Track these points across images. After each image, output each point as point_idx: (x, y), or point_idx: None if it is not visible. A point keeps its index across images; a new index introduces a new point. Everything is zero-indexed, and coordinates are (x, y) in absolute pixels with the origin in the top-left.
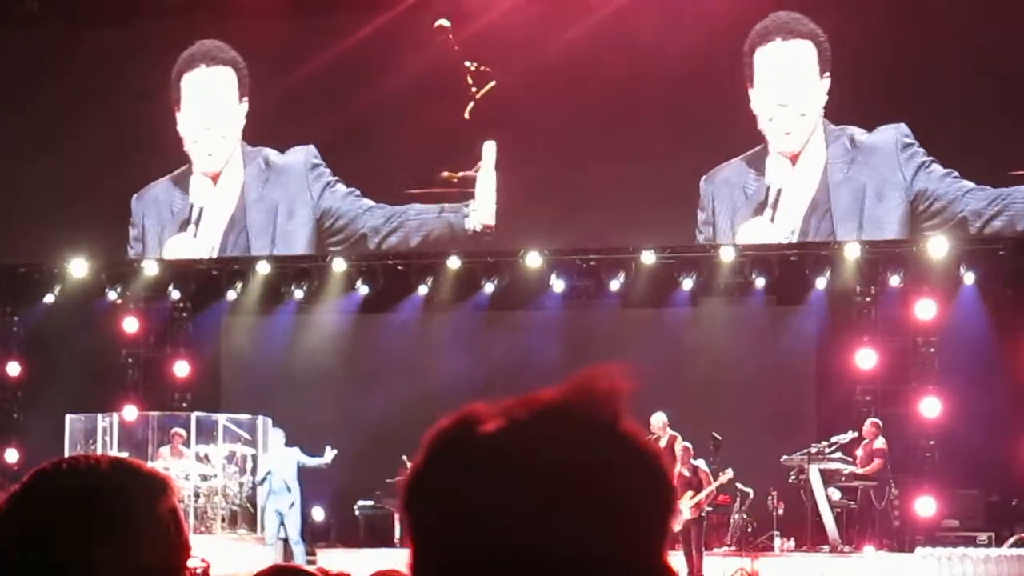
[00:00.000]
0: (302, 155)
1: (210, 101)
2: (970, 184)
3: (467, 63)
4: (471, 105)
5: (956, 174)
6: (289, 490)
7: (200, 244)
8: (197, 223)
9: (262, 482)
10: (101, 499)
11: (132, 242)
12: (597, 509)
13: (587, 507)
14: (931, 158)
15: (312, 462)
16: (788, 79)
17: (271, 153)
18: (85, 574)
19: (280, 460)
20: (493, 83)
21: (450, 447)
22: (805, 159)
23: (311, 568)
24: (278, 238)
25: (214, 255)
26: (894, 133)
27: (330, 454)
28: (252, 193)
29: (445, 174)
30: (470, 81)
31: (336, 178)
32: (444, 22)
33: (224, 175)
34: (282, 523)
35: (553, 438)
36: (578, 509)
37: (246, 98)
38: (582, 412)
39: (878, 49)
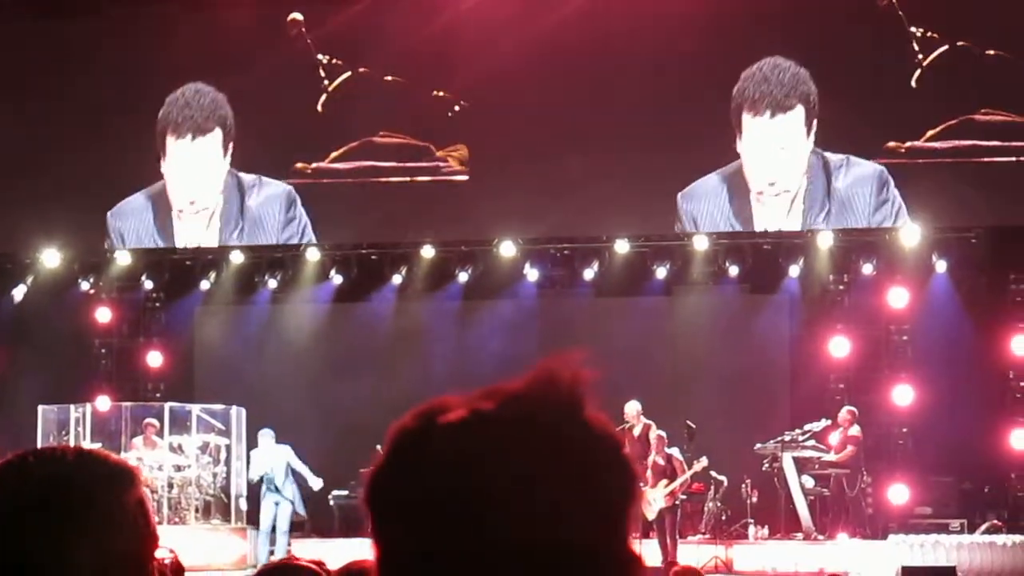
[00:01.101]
0: (276, 199)
1: (198, 173)
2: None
3: (320, 56)
4: (323, 98)
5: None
6: (284, 485)
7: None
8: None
9: (259, 482)
10: (67, 490)
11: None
12: (560, 497)
13: (551, 495)
14: (901, 205)
15: (300, 468)
16: (778, 159)
17: (248, 184)
18: (52, 565)
19: (273, 458)
20: (348, 74)
21: (412, 441)
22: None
23: (303, 560)
24: None
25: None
26: (870, 178)
27: (316, 481)
28: (227, 234)
29: (299, 165)
30: (322, 74)
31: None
32: (297, 16)
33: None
34: (276, 514)
35: (515, 428)
36: (541, 498)
37: (231, 146)
38: (544, 401)
39: (857, 51)
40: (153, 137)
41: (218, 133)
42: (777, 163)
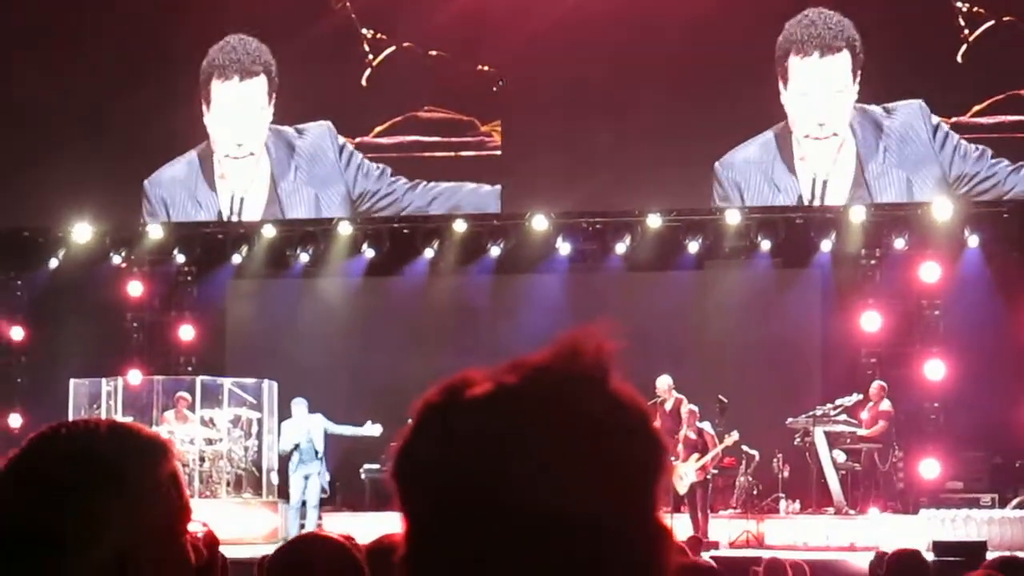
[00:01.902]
0: (323, 134)
1: (243, 116)
2: (1006, 162)
3: (364, 31)
4: (368, 72)
5: (989, 152)
6: (317, 457)
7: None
8: (239, 215)
9: (290, 453)
10: (100, 463)
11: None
12: (587, 469)
13: (577, 467)
14: (957, 137)
15: (343, 430)
16: (827, 97)
17: (290, 134)
18: (84, 538)
19: (306, 429)
20: (392, 49)
21: (438, 414)
22: (839, 154)
23: (333, 534)
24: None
25: None
26: (917, 114)
27: (372, 427)
28: (284, 184)
29: (343, 140)
30: (367, 49)
31: (362, 157)
32: None
33: (252, 163)
34: (306, 488)
35: (541, 399)
36: (567, 470)
37: (274, 95)
38: (570, 372)
39: (904, 25)
40: (189, 105)
41: (263, 79)
42: (827, 103)
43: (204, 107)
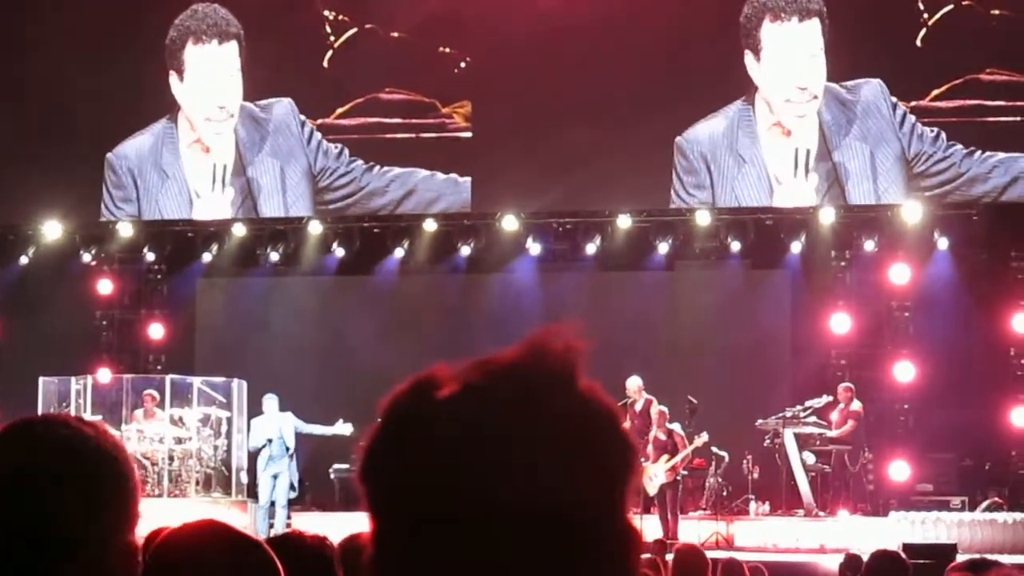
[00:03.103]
0: (286, 110)
1: (218, 76)
2: (959, 146)
3: (325, 12)
4: (329, 54)
5: (944, 135)
6: (286, 455)
7: (222, 198)
8: (223, 182)
9: (260, 450)
10: (81, 458)
11: (119, 203)
12: (554, 469)
13: (544, 467)
14: (914, 118)
15: (313, 430)
16: (803, 61)
17: (253, 109)
18: (65, 530)
19: (277, 425)
20: (354, 31)
21: (404, 413)
22: (803, 124)
23: (307, 533)
24: (289, 203)
25: (232, 212)
26: (877, 92)
27: (343, 427)
28: (251, 155)
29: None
30: (328, 31)
31: (321, 136)
32: None
33: (219, 136)
34: (274, 487)
35: (508, 398)
36: (535, 470)
37: (242, 65)
38: (537, 371)
39: (864, 8)
40: (155, 83)
41: (236, 44)
42: (808, 66)
43: (175, 77)
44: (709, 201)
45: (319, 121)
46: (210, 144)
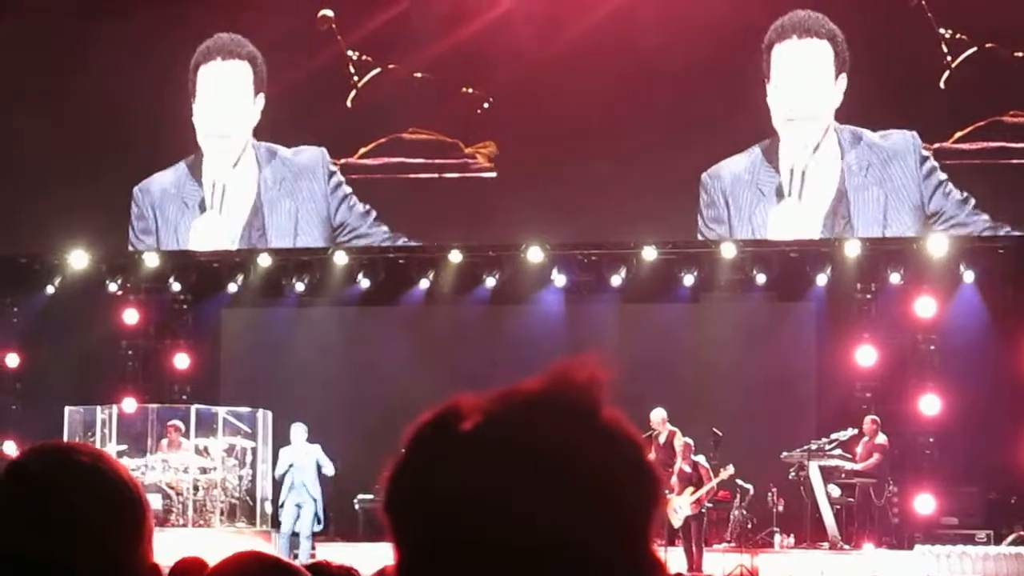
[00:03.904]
0: (316, 158)
1: (224, 96)
2: (986, 217)
3: (349, 52)
4: (353, 94)
5: (973, 201)
6: (307, 485)
7: (225, 226)
8: (221, 206)
9: (283, 476)
10: (104, 488)
11: (140, 235)
12: (579, 499)
13: (569, 498)
14: (945, 176)
15: (325, 466)
16: (804, 78)
17: (281, 150)
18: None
19: (302, 455)
20: (377, 71)
21: (429, 443)
22: (821, 155)
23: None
24: (299, 242)
25: (235, 244)
26: (909, 142)
27: (330, 468)
28: (269, 193)
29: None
30: (352, 71)
31: (351, 192)
32: (328, 12)
33: (239, 170)
34: (298, 517)
35: (532, 429)
36: (560, 500)
37: (262, 94)
38: (561, 402)
39: (887, 51)
40: (180, 120)
41: (247, 66)
42: (805, 84)
43: (193, 102)
44: (727, 235)
45: (343, 161)
46: (214, 164)
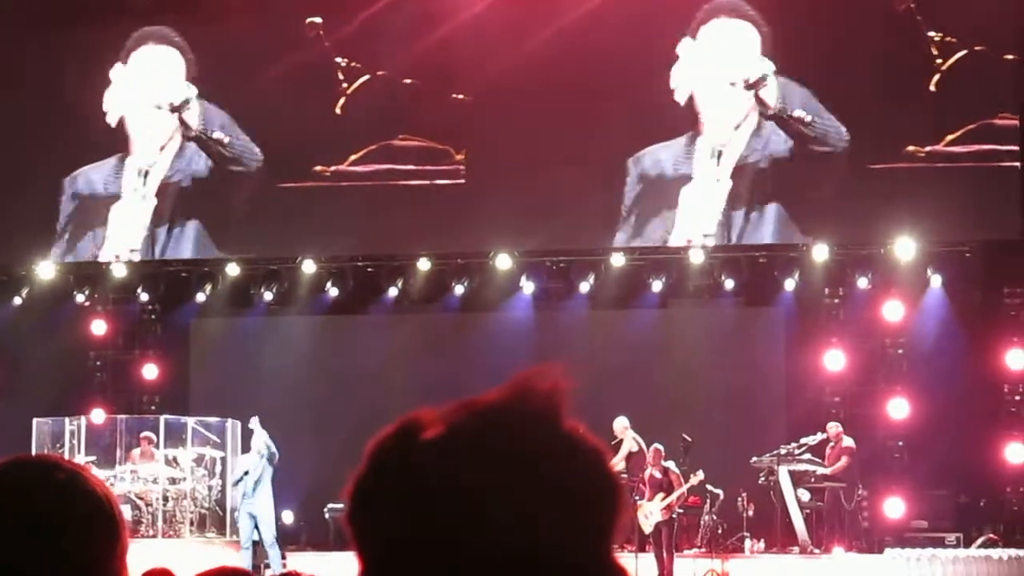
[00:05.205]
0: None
1: (156, 77)
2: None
3: (338, 59)
4: (342, 100)
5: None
6: (257, 490)
7: (146, 210)
8: (144, 189)
9: (237, 483)
10: (72, 502)
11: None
12: (540, 509)
13: (531, 506)
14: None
15: (271, 446)
16: (729, 56)
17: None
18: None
19: (255, 452)
20: (366, 77)
21: (391, 455)
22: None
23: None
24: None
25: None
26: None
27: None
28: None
29: (318, 168)
30: (341, 77)
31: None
32: (316, 19)
33: (166, 154)
34: (256, 526)
35: (492, 440)
36: (520, 511)
37: (194, 87)
38: (521, 412)
39: (877, 55)
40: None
41: (177, 54)
42: (728, 61)
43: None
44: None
45: (332, 168)
46: (139, 145)
